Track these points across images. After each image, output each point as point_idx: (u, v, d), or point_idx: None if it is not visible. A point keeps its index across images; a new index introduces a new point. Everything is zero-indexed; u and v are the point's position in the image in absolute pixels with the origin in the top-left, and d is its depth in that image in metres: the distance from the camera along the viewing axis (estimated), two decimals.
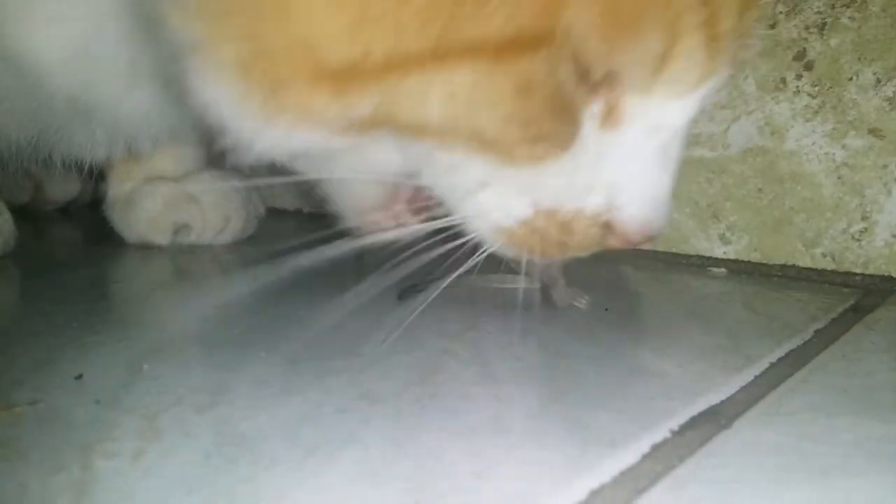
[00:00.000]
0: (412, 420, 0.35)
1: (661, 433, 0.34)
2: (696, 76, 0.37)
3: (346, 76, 0.33)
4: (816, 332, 0.49)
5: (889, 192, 0.60)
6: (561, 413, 0.36)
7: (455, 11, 0.32)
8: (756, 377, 0.41)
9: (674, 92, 0.38)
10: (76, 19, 0.47)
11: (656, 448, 0.33)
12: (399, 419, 0.35)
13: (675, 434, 0.34)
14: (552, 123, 0.36)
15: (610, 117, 0.38)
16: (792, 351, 0.45)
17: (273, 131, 0.36)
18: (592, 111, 0.38)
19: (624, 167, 0.39)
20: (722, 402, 0.38)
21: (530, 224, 0.40)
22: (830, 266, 0.63)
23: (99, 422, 0.35)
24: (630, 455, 0.32)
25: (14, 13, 0.47)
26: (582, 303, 0.52)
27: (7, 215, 0.69)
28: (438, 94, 0.34)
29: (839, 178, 0.62)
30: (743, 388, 0.40)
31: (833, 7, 0.61)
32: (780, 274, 0.64)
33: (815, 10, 0.62)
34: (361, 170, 0.43)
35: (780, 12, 0.63)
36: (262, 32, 0.33)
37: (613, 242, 0.42)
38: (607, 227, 0.41)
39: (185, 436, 0.34)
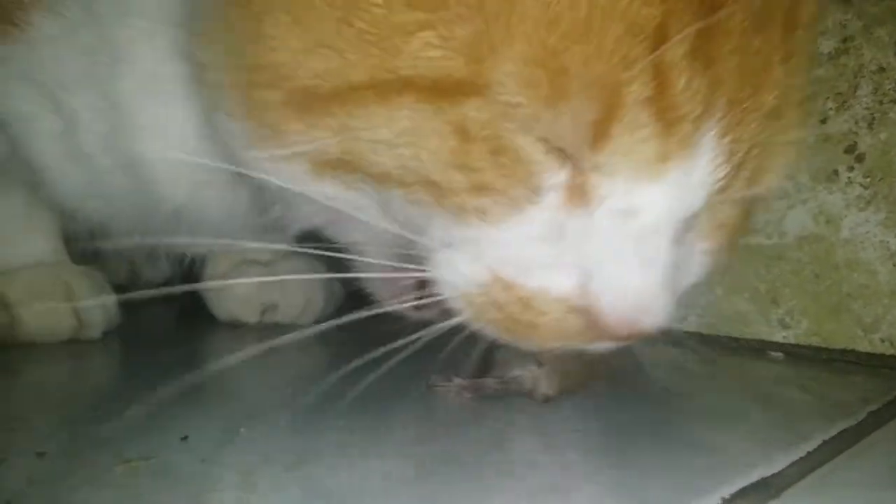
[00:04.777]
0: (488, 483, 0.38)
1: (712, 500, 0.37)
2: (649, 154, 0.35)
3: (308, 101, 0.38)
4: (870, 413, 0.50)
5: None
6: (617, 480, 0.39)
7: (387, 46, 0.35)
8: (808, 453, 0.43)
9: (632, 173, 0.36)
10: (173, 133, 0.52)
11: None
12: (476, 482, 0.38)
13: (726, 502, 0.37)
14: (497, 175, 0.36)
15: (577, 193, 0.37)
16: (845, 430, 0.47)
17: (267, 154, 0.41)
18: (554, 180, 0.37)
19: (597, 251, 0.38)
20: (772, 474, 0.40)
21: (488, 292, 0.39)
22: (889, 351, 0.64)
23: (204, 476, 0.39)
24: None
25: (132, 124, 0.53)
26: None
27: (112, 296, 0.76)
28: (384, 135, 0.37)
29: (894, 265, 0.64)
30: (794, 463, 0.42)
31: (881, 103, 0.65)
32: (839, 358, 0.66)
33: (864, 105, 0.65)
34: (372, 235, 0.45)
35: (830, 108, 0.67)
36: (245, 54, 0.39)
37: (598, 336, 0.39)
38: (586, 315, 0.38)
39: (278, 490, 0.38)
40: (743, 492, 0.38)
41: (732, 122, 0.37)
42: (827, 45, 0.67)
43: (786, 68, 0.39)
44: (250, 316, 0.77)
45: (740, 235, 0.46)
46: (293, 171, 0.41)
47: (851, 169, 0.66)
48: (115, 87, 0.52)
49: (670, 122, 0.35)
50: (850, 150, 0.66)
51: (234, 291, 0.76)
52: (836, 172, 0.67)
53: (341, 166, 0.40)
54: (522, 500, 0.36)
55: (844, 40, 0.67)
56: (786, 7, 0.39)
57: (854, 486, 0.39)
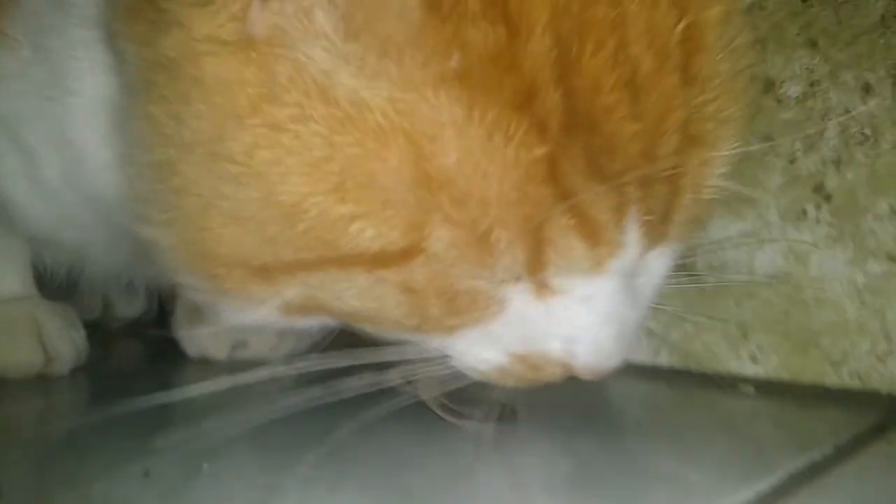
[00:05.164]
0: None
1: None
2: (588, 266, 0.39)
3: (267, 272, 0.39)
4: (836, 447, 0.51)
5: None
6: None
7: (328, 237, 0.36)
8: (773, 486, 0.43)
9: (577, 277, 0.39)
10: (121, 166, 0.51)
11: None
12: None
13: None
14: (460, 314, 0.40)
15: (542, 290, 0.40)
16: (811, 464, 0.47)
17: (236, 309, 0.43)
18: (519, 289, 0.40)
19: (571, 324, 0.41)
20: None
21: (505, 368, 0.43)
22: (857, 385, 0.65)
23: None
24: None
25: (86, 160, 0.53)
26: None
27: (82, 331, 0.75)
28: (347, 289, 0.39)
29: (861, 302, 0.65)
30: (758, 495, 0.42)
31: (847, 144, 0.66)
32: (809, 393, 0.66)
33: (831, 147, 0.67)
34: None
35: (798, 149, 0.68)
36: (197, 243, 0.40)
37: (570, 377, 0.44)
38: (567, 368, 0.43)
39: None
40: None
41: (644, 195, 0.38)
42: (794, 90, 0.69)
43: (688, 99, 0.39)
44: (220, 352, 0.76)
45: (700, 223, 0.46)
46: (262, 315, 0.42)
47: (819, 208, 0.67)
48: (67, 123, 0.52)
49: (597, 235, 0.38)
50: (817, 189, 0.67)
51: (204, 327, 0.75)
52: (804, 212, 0.68)
53: (309, 310, 0.42)
54: None
55: (811, 84, 0.68)
56: (676, 43, 0.38)
57: None
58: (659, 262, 0.45)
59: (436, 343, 0.43)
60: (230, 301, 0.42)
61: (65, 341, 0.71)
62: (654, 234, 0.41)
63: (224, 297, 0.42)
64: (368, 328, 0.43)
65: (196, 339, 0.77)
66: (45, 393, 0.68)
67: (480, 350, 0.43)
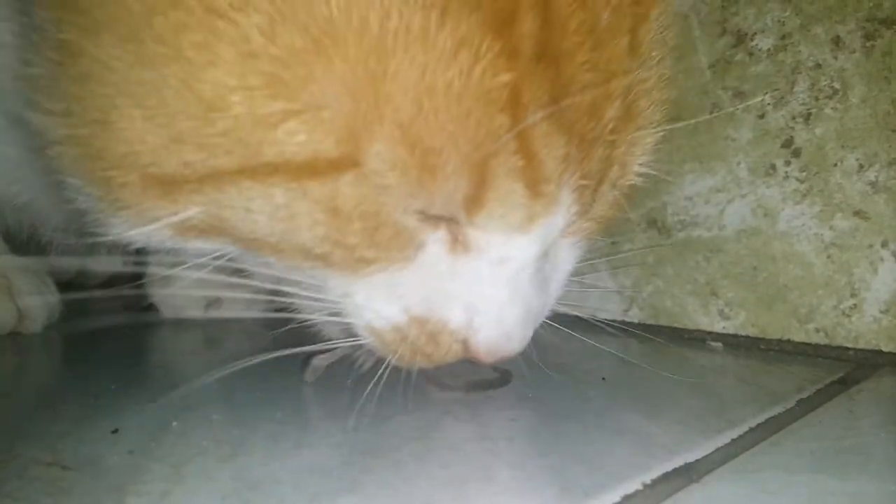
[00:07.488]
0: (409, 471, 0.39)
1: (633, 485, 0.37)
2: (521, 217, 0.38)
3: (170, 184, 0.37)
4: (799, 401, 0.52)
5: (875, 271, 0.63)
6: (545, 466, 0.40)
7: (252, 139, 0.34)
8: (733, 439, 0.44)
9: (505, 230, 0.39)
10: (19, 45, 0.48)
11: (627, 498, 0.36)
12: (398, 470, 0.39)
13: (647, 487, 0.38)
14: (378, 248, 0.38)
15: (457, 244, 0.40)
16: (772, 417, 0.48)
17: (125, 223, 0.40)
18: (436, 237, 0.39)
19: (477, 290, 0.41)
20: (697, 460, 0.41)
21: (402, 330, 0.42)
22: (823, 341, 0.66)
23: (132, 468, 0.39)
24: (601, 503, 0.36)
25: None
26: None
27: (53, 288, 0.75)
28: (259, 207, 0.37)
29: (828, 257, 0.65)
30: (719, 449, 0.43)
31: (817, 99, 0.66)
32: (776, 348, 0.67)
33: (801, 101, 0.67)
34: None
35: (768, 104, 0.68)
36: (93, 138, 0.37)
37: (468, 358, 0.44)
38: (465, 344, 0.43)
39: (207, 481, 0.38)
40: (665, 477, 0.39)
41: (584, 156, 0.38)
42: (765, 42, 0.69)
43: (632, 68, 0.39)
44: (194, 311, 0.77)
45: (615, 216, 0.47)
46: (153, 235, 0.40)
47: (788, 163, 0.67)
48: None
49: (538, 186, 0.37)
50: (786, 144, 0.68)
51: (178, 286, 0.76)
52: (773, 167, 0.68)
53: (208, 232, 0.39)
54: (445, 487, 0.37)
55: (783, 37, 0.68)
56: (629, 4, 0.38)
57: (771, 470, 0.40)
58: (569, 253, 0.46)
59: (337, 291, 0.42)
60: (119, 212, 0.39)
61: (35, 297, 0.71)
62: (582, 205, 0.41)
63: (113, 206, 0.39)
64: (267, 258, 0.40)
65: (170, 298, 0.77)
66: (18, 351, 0.68)
67: (381, 304, 0.41)
